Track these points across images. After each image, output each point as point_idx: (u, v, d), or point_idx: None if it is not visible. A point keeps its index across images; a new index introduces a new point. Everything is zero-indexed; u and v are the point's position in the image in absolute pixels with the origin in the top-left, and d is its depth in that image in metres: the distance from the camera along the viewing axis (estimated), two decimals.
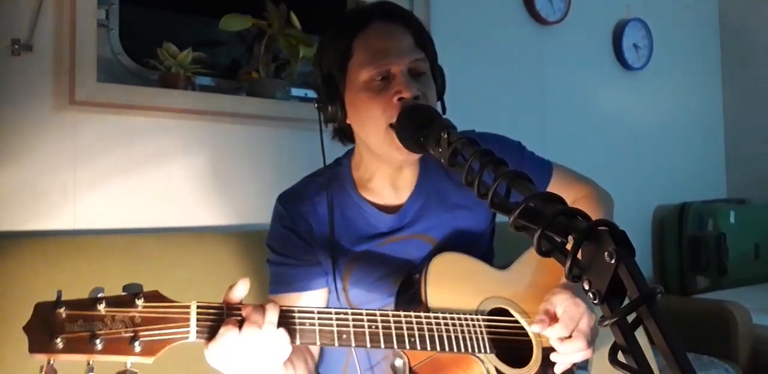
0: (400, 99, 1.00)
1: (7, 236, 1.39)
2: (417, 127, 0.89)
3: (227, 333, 0.80)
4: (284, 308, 0.88)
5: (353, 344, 0.90)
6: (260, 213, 1.73)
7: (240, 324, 0.81)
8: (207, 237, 1.56)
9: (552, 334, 0.97)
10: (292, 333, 0.86)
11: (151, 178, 1.60)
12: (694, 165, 3.12)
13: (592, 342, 0.98)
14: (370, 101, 1.02)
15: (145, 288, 0.84)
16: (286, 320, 0.87)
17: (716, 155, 3.28)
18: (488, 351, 0.99)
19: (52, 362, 0.75)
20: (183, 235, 1.57)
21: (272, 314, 0.83)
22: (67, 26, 1.47)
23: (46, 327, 0.75)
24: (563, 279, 1.07)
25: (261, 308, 0.84)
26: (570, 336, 0.97)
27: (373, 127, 1.03)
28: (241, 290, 0.85)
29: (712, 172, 3.24)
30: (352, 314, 0.91)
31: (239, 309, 0.84)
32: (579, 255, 0.53)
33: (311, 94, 1.91)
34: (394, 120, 0.97)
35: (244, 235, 1.56)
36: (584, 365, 1.07)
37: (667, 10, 3.05)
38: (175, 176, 1.64)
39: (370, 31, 1.05)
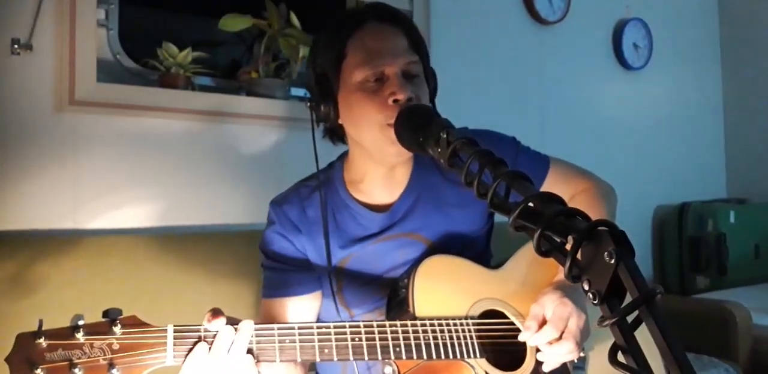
0: (395, 101, 1.00)
1: (7, 236, 1.40)
2: (416, 126, 0.89)
3: (195, 353, 0.83)
4: (263, 326, 0.88)
5: (335, 358, 0.90)
6: (260, 213, 1.72)
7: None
8: (207, 237, 1.57)
9: (542, 339, 0.95)
10: (270, 352, 0.87)
11: (150, 178, 1.60)
12: (694, 165, 3.12)
13: (581, 342, 0.97)
14: (365, 101, 1.02)
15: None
16: (264, 338, 0.87)
17: (716, 155, 3.28)
18: (478, 355, 0.98)
19: None
20: (183, 235, 1.57)
21: (241, 337, 0.85)
22: (67, 26, 1.47)
23: (26, 358, 0.77)
24: (555, 278, 1.07)
25: (232, 330, 0.85)
26: (560, 338, 0.95)
27: (367, 127, 1.03)
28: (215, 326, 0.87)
29: (712, 172, 3.24)
30: (335, 327, 0.91)
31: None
32: (578, 256, 0.54)
33: None
34: (389, 121, 0.97)
35: (243, 235, 1.56)
36: (581, 365, 1.07)
37: (667, 10, 3.05)
38: (175, 176, 1.64)
39: (365, 31, 1.05)
